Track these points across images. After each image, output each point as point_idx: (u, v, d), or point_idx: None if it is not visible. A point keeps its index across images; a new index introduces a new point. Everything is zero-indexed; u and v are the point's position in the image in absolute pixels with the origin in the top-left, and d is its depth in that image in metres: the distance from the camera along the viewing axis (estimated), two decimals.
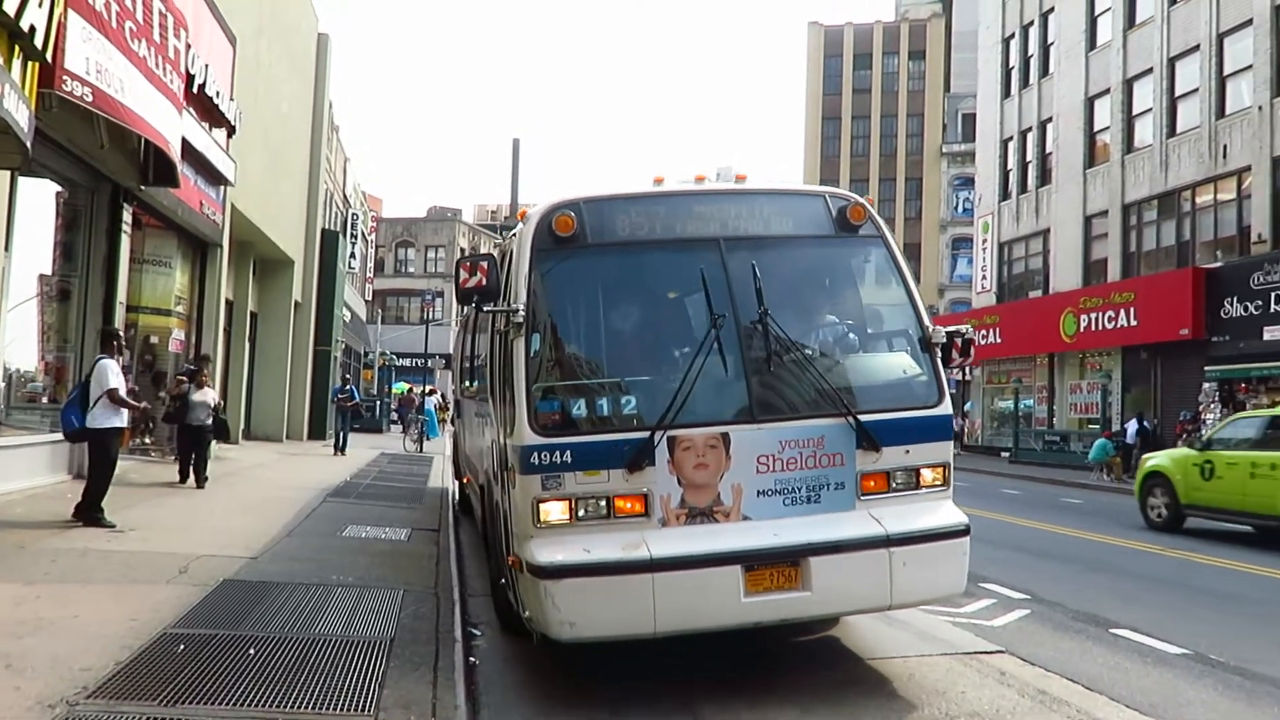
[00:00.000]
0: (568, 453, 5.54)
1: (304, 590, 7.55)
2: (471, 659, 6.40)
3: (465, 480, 11.94)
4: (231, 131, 17.20)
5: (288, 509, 12.34)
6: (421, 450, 26.85)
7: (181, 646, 5.79)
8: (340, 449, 22.61)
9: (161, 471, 14.97)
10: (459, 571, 9.19)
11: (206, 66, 15.22)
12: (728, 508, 5.70)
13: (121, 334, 11.92)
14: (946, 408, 6.19)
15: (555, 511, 5.56)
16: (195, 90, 14.71)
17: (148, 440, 17.22)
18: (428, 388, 41.57)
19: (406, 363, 55.52)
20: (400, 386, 48.44)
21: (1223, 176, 27.28)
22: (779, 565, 5.58)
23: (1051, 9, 35.94)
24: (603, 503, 5.58)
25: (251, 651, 5.79)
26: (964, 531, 6.02)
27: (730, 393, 5.85)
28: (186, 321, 18.39)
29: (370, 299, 50.11)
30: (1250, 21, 26.32)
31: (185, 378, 14.39)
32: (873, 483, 5.93)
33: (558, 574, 5.38)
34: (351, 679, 5.39)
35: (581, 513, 5.56)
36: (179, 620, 6.44)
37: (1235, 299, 25.12)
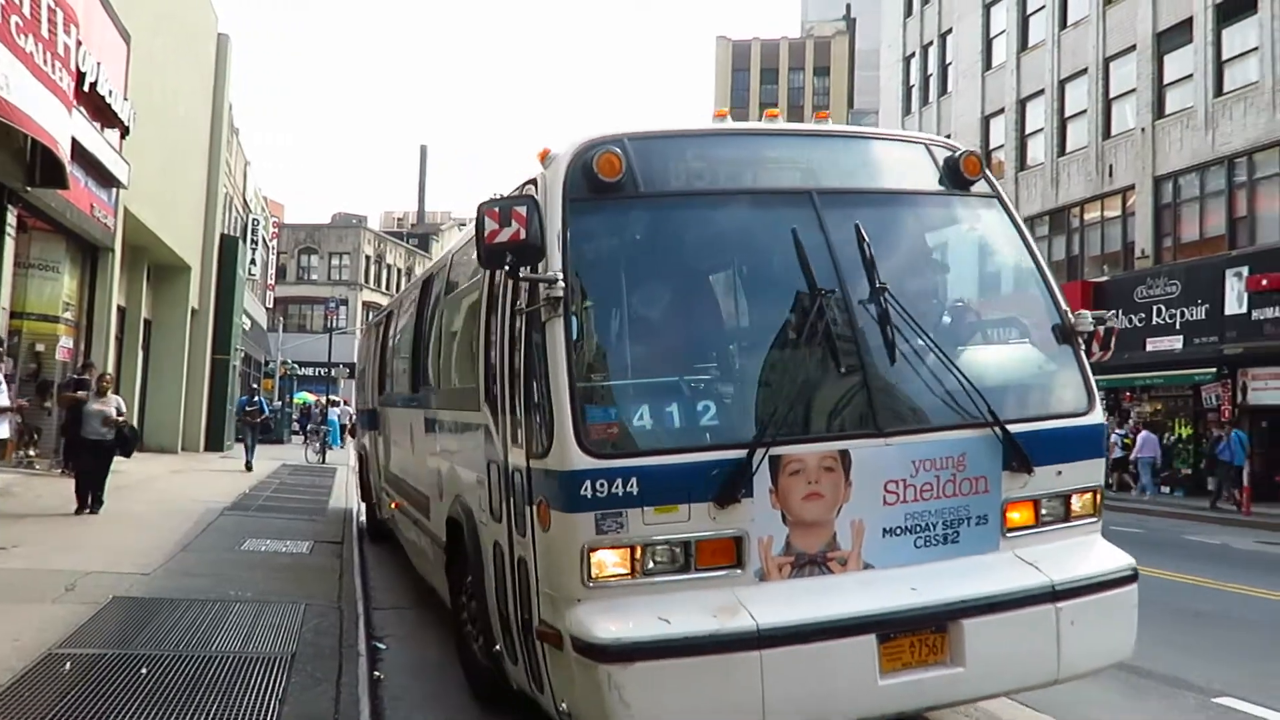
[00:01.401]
0: (633, 481, 4.05)
1: (200, 606, 7.30)
2: (377, 673, 6.27)
3: (394, 506, 9.63)
4: (125, 132, 16.62)
5: (184, 523, 11.93)
6: (324, 461, 26.27)
7: (68, 666, 5.56)
8: (247, 463, 21.78)
9: (47, 487, 14.32)
10: (363, 584, 9.02)
11: (98, 64, 14.68)
12: (845, 553, 4.29)
13: (4, 341, 11.38)
14: (1099, 415, 4.93)
15: (613, 563, 4.08)
16: (86, 88, 14.16)
17: (32, 452, 16.46)
18: (332, 398, 40.67)
19: (309, 372, 54.26)
20: (303, 396, 47.34)
21: (1109, 194, 28.49)
22: (922, 632, 4.24)
23: (950, 30, 37.09)
24: (679, 550, 4.12)
25: (144, 671, 5.58)
26: (1132, 577, 4.78)
27: (846, 395, 4.46)
28: (75, 329, 17.65)
29: (271, 306, 48.85)
30: (1134, 47, 27.56)
31: (77, 387, 13.59)
32: (1018, 514, 4.65)
33: (626, 655, 3.92)
34: (251, 696, 5.24)
35: (651, 564, 4.11)
36: (65, 640, 6.18)
37: (1120, 311, 26.22)
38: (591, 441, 4.09)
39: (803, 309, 4.44)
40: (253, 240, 35.88)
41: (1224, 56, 24.70)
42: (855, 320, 4.49)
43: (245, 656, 6.00)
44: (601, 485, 4.03)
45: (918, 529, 4.39)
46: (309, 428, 31.87)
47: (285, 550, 10.48)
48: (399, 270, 64.12)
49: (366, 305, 59.07)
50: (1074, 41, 30.03)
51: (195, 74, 24.99)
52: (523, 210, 4.21)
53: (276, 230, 48.41)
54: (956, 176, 5.11)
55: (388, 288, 61.15)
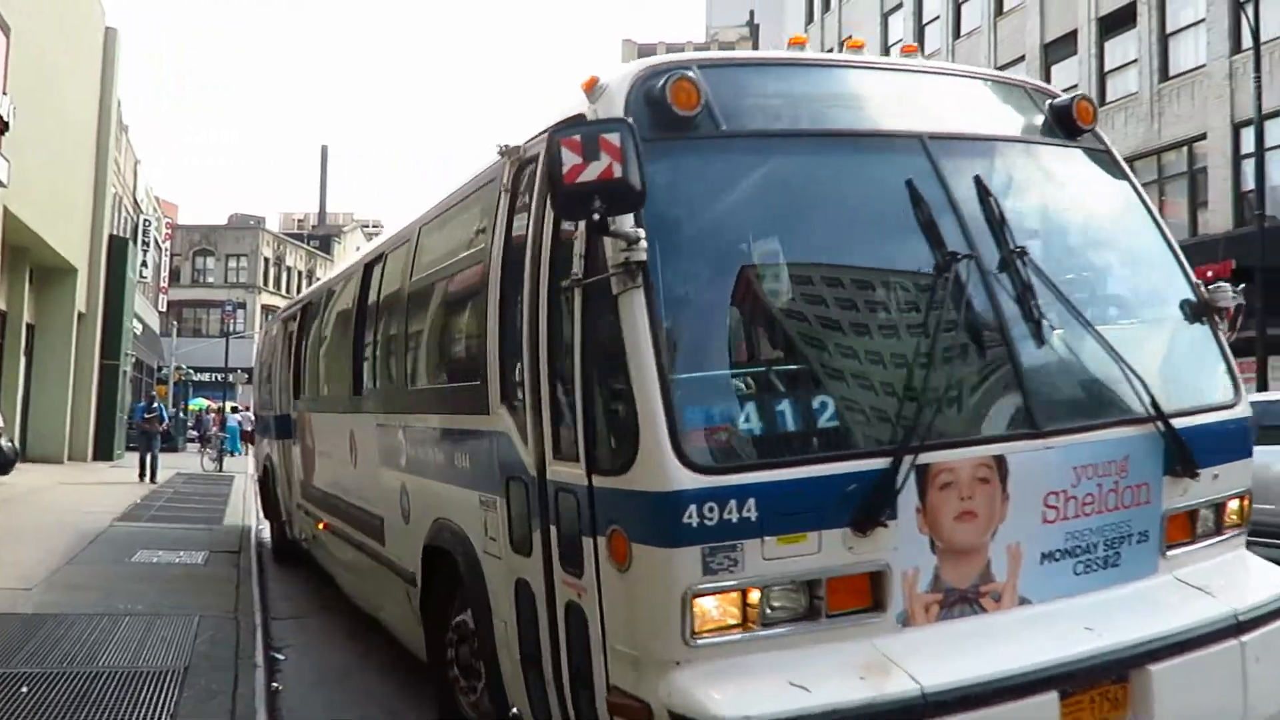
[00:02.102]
0: (750, 503, 3.09)
1: (86, 621, 7.01)
2: (275, 685, 6.09)
3: (321, 527, 8.33)
4: (4, 128, 15.87)
5: (70, 535, 11.43)
6: (221, 469, 25.49)
7: None
8: (150, 474, 20.76)
9: None
10: (261, 593, 8.77)
11: None
12: (999, 586, 3.46)
13: None
14: (1246, 406, 4.21)
15: (724, 612, 3.13)
16: None
17: None
18: (232, 403, 39.51)
19: (205, 378, 52.65)
20: (198, 403, 45.90)
21: None
22: (1102, 684, 3.41)
23: (849, 36, 37.88)
24: (807, 591, 3.21)
25: (24, 690, 5.33)
26: None
27: (996, 386, 3.67)
28: None
29: (165, 310, 47.24)
30: (1023, 57, 28.60)
31: None
32: (1175, 527, 3.89)
33: None
34: (141, 712, 5.06)
35: (771, 611, 3.18)
36: None
37: None
38: (694, 452, 3.11)
39: (936, 280, 3.57)
40: (144, 242, 34.67)
41: (1106, 68, 25.84)
42: (996, 294, 3.69)
43: (135, 672, 5.78)
44: (711, 510, 3.06)
45: (1077, 551, 3.59)
46: (205, 434, 30.87)
47: (179, 561, 10.13)
48: (299, 273, 62.70)
49: (265, 308, 57.56)
50: (967, 51, 31.02)
51: (81, 69, 24.00)
52: (616, 138, 3.11)
53: (170, 231, 46.86)
54: (1068, 124, 4.35)
55: (288, 290, 59.70)
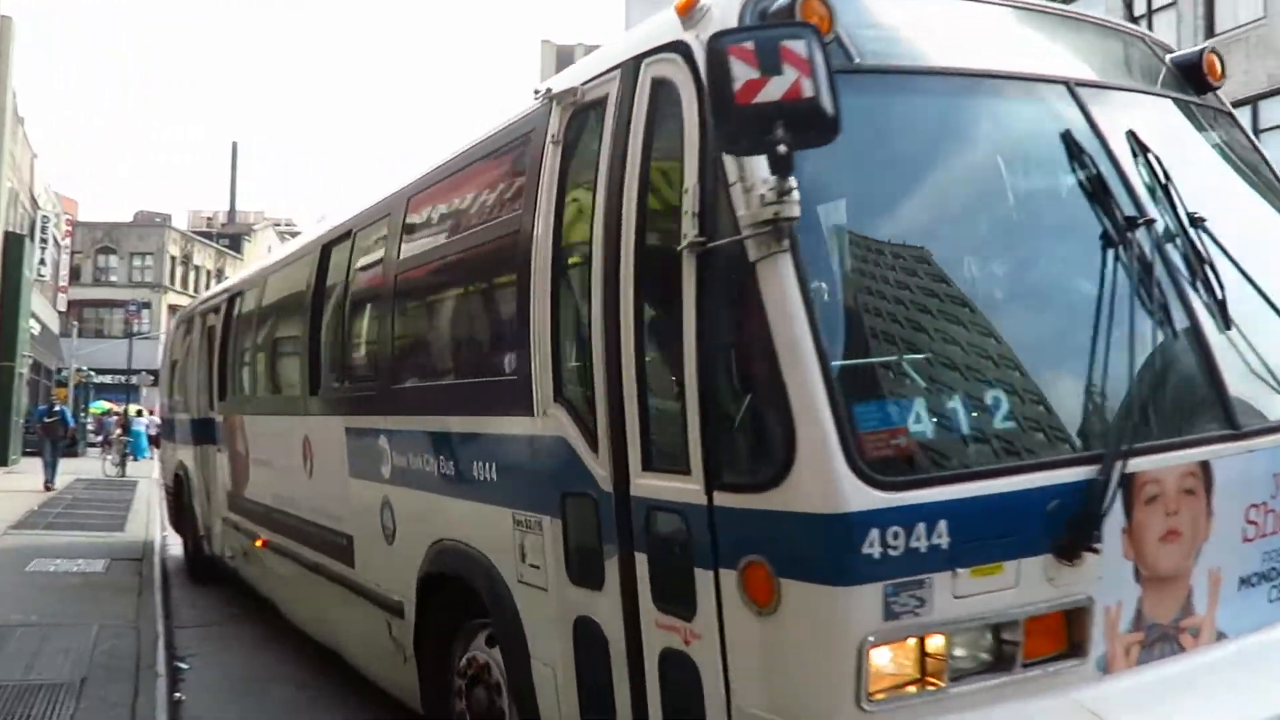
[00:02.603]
0: (941, 525, 2.51)
1: None
2: (178, 695, 5.91)
3: (260, 544, 7.47)
4: None
5: None
6: (124, 474, 24.62)
7: None
8: (49, 479, 19.93)
9: None
10: (165, 601, 8.54)
11: None
12: (1198, 619, 2.93)
13: None
14: None
15: (897, 664, 2.56)
16: None
17: None
18: (137, 406, 38.21)
19: (108, 379, 50.86)
20: (99, 405, 44.32)
21: None
22: None
23: None
24: (1000, 636, 2.63)
25: None
26: None
27: (1188, 378, 3.11)
28: None
29: (65, 310, 45.50)
30: None
31: None
32: None
33: None
34: None
35: (955, 658, 2.60)
36: None
37: None
38: (871, 461, 2.50)
39: (1119, 251, 3.01)
40: (42, 239, 33.36)
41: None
42: (1176, 268, 3.12)
43: (28, 685, 5.56)
44: (896, 537, 2.46)
45: (1273, 575, 3.07)
46: (108, 438, 29.81)
47: (78, 570, 9.76)
48: (208, 272, 60.93)
49: (172, 308, 55.85)
50: None
51: None
52: (801, 48, 2.42)
53: (70, 229, 45.17)
54: (1197, 80, 3.80)
55: (195, 290, 57.99)
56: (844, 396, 2.52)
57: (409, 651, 4.59)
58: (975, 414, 2.75)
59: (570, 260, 3.46)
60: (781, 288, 2.58)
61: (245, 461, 7.83)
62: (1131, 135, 3.30)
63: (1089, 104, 3.27)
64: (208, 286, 57.31)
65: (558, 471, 3.42)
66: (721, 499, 2.72)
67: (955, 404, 2.74)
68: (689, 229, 2.80)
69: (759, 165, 2.60)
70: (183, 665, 6.64)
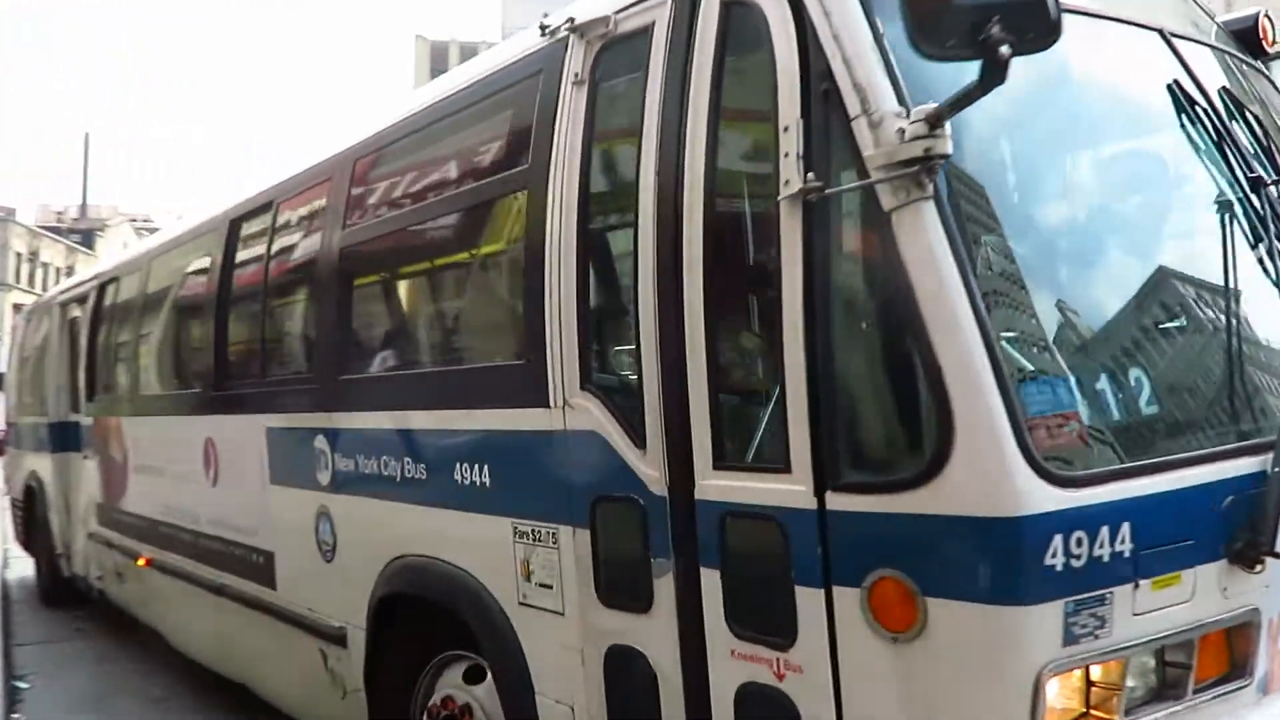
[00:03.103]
0: (1124, 528, 2.13)
1: None
2: (17, 715, 5.57)
3: (143, 563, 6.52)
4: None
5: None
6: None
7: None
8: None
9: None
10: (4, 618, 7.97)
11: None
12: None
13: None
14: None
15: (1064, 698, 2.18)
16: None
17: None
18: None
19: None
20: None
21: None
22: None
23: None
24: (1170, 658, 2.30)
25: None
26: None
27: None
28: None
29: None
30: None
31: None
32: None
33: None
34: None
35: (1130, 686, 2.23)
36: None
37: None
38: (1046, 453, 2.09)
39: (1236, 208, 2.70)
40: None
41: None
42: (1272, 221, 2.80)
43: None
44: (1079, 544, 2.06)
45: None
46: None
47: None
48: (58, 269, 57.17)
49: (17, 307, 52.07)
50: None
51: None
52: None
53: None
54: (1252, 44, 3.47)
55: (44, 288, 54.29)
56: (1014, 377, 2.11)
57: (352, 686, 4.01)
58: (1146, 395, 2.42)
59: (603, 221, 2.97)
60: (928, 241, 2.13)
61: (123, 469, 6.88)
62: (1226, 92, 2.96)
63: (1186, 56, 2.89)
64: (58, 284, 53.71)
65: (584, 472, 2.88)
66: (838, 502, 2.25)
67: (1125, 383, 2.39)
68: (791, 175, 2.30)
69: (885, 95, 2.19)
70: (21, 684, 6.28)
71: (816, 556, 2.27)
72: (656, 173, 2.65)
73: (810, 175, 2.26)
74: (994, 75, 1.93)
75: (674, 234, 2.57)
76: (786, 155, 2.31)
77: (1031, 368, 2.23)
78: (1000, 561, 2.05)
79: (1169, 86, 2.79)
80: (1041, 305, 2.35)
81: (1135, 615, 2.14)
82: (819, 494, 2.26)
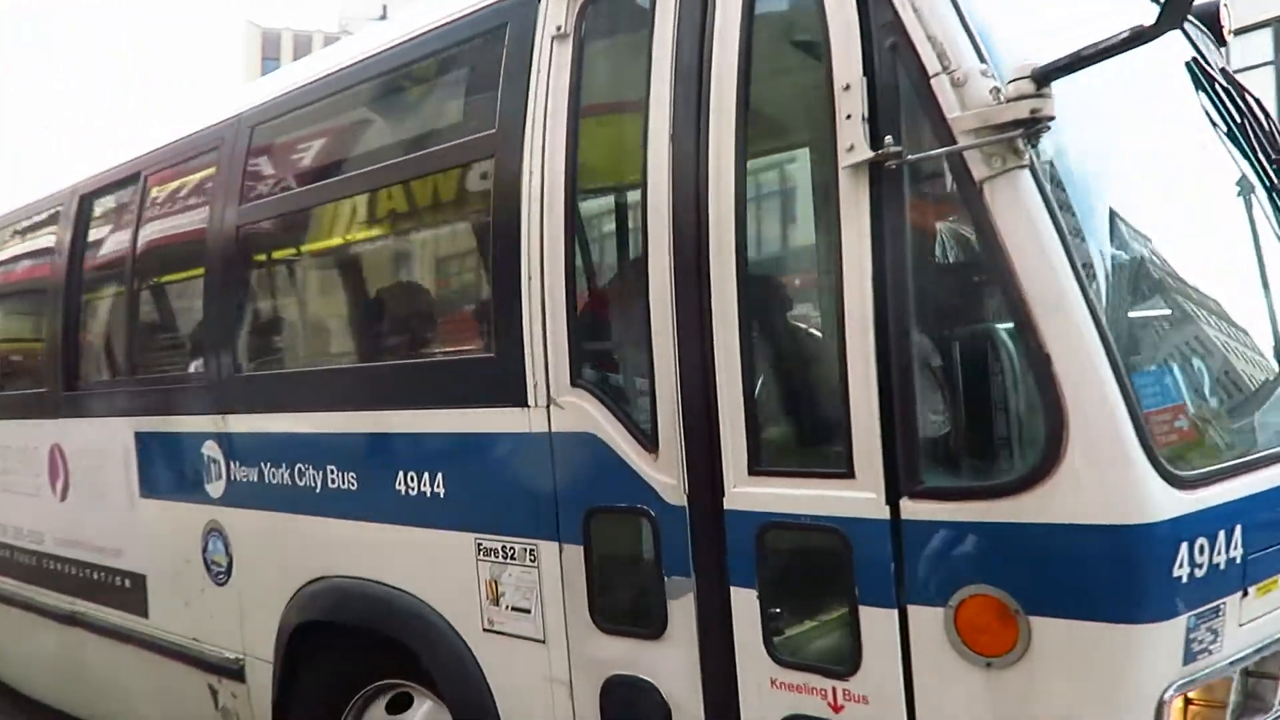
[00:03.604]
0: (1236, 532, 1.96)
1: None
2: None
3: None
4: None
5: None
6: None
7: None
8: None
9: None
10: None
11: None
12: None
13: None
14: None
15: None
16: None
17: None
18: None
19: None
20: None
21: None
22: None
23: None
24: (1240, 674, 2.09)
25: None
26: None
27: None
28: None
29: None
30: None
31: None
32: None
33: None
34: None
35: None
36: None
37: None
38: (1166, 452, 1.91)
39: (1227, 185, 2.61)
40: None
41: None
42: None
43: None
44: (1201, 551, 1.89)
45: None
46: None
47: None
48: None
49: None
50: None
51: None
52: None
53: None
54: (1214, 31, 3.20)
55: None
56: (1129, 365, 1.91)
57: None
58: (1239, 382, 2.29)
59: (599, 196, 2.76)
60: (1029, 214, 1.89)
61: None
62: (1226, 73, 2.84)
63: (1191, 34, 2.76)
64: None
65: (576, 480, 2.55)
66: (916, 510, 1.98)
67: (1223, 372, 2.25)
68: (856, 139, 2.01)
69: (965, 51, 1.94)
70: None
71: (889, 573, 2.01)
72: (671, 140, 2.32)
73: (889, 140, 1.97)
74: (1174, 15, 1.73)
75: (696, 210, 2.26)
76: (849, 118, 2.02)
77: (1140, 356, 2.04)
78: (1125, 574, 1.83)
79: (1189, 64, 2.66)
80: (1137, 288, 2.18)
81: (1241, 626, 1.98)
82: (892, 501, 2.00)
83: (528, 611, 2.65)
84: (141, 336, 4.40)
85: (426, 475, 2.90)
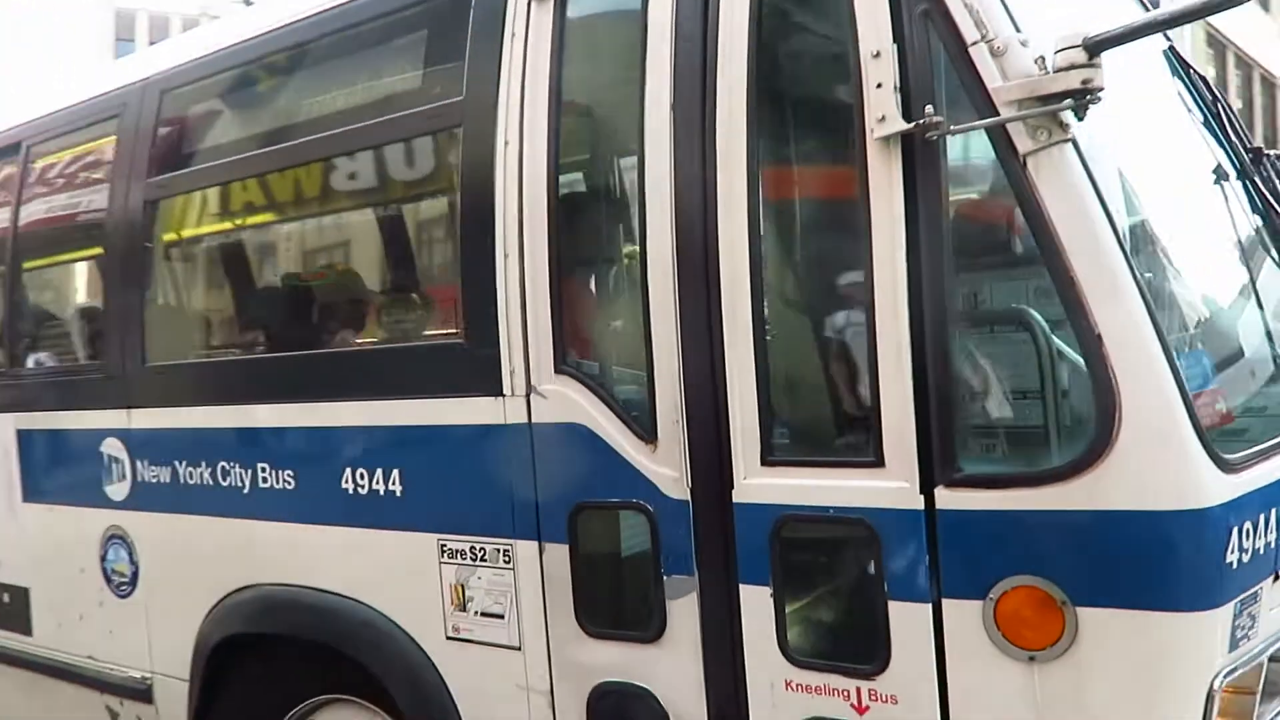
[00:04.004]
0: (1273, 514, 1.97)
1: None
2: None
3: None
4: None
5: None
6: None
7: None
8: None
9: None
10: None
11: None
12: None
13: None
14: None
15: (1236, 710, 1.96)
16: None
17: None
18: None
19: None
20: None
21: None
22: None
23: None
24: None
25: None
26: None
27: None
28: None
29: None
30: None
31: None
32: None
33: None
34: None
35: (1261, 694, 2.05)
36: None
37: None
38: (1215, 436, 1.89)
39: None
40: None
41: None
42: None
43: None
44: (1248, 535, 1.87)
45: None
46: None
47: None
48: None
49: None
50: None
51: None
52: None
53: None
54: None
55: None
56: (1173, 348, 1.85)
57: None
58: (1266, 362, 2.27)
59: (586, 170, 2.55)
60: (1076, 190, 1.82)
61: None
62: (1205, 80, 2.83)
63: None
64: None
65: (559, 474, 2.38)
66: (952, 499, 1.89)
67: (1250, 354, 2.24)
68: (887, 109, 1.90)
69: (1001, 19, 1.86)
70: None
71: (923, 565, 1.91)
72: (675, 107, 2.16)
73: (929, 109, 1.86)
74: None
75: (702, 179, 2.12)
76: (880, 86, 1.91)
77: (1180, 338, 2.00)
78: (1180, 561, 1.77)
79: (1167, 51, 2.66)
80: (1176, 269, 2.14)
81: (1271, 611, 1.96)
82: (927, 490, 1.90)
83: (500, 617, 2.48)
84: (23, 324, 4.02)
85: (380, 472, 2.65)
